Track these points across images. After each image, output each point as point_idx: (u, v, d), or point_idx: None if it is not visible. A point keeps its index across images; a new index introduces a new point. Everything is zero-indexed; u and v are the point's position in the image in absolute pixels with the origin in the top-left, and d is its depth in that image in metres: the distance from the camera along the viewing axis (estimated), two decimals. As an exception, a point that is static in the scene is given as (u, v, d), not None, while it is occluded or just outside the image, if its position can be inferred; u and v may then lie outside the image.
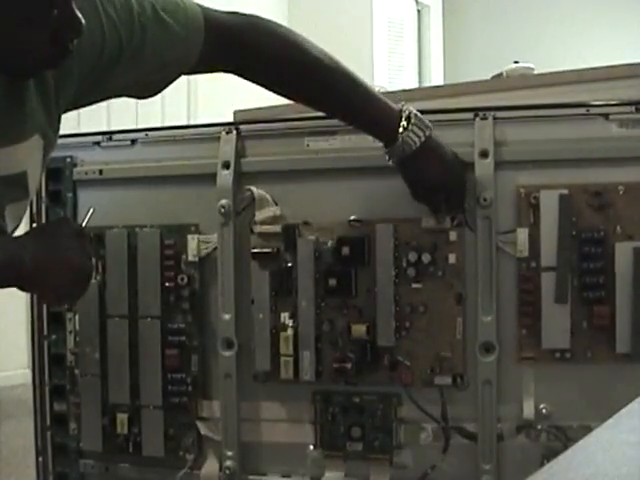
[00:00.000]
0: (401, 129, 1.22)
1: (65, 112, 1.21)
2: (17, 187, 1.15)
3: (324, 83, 1.26)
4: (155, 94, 1.25)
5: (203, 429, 1.40)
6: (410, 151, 1.23)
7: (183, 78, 1.29)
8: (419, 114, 1.24)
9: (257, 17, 1.27)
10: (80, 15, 0.98)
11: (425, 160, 1.24)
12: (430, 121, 1.30)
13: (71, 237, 1.13)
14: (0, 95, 1.07)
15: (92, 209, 1.22)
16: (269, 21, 1.28)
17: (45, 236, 1.14)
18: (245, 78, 1.30)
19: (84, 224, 1.19)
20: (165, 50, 1.19)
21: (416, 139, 1.22)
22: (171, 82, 1.24)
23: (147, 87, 1.24)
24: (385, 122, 1.23)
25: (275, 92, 1.30)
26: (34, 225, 1.44)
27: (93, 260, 1.36)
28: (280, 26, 1.28)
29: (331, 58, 1.26)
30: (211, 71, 1.27)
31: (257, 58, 1.25)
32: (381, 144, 1.26)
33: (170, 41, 1.18)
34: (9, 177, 1.12)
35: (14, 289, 1.16)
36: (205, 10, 1.21)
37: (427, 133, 1.23)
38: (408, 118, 1.23)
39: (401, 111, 1.23)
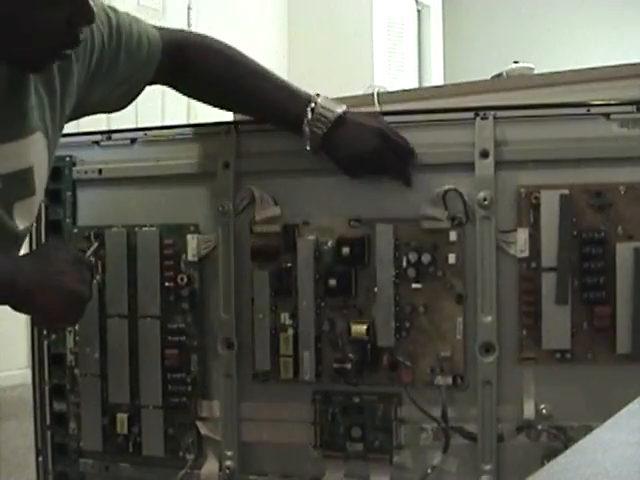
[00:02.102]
0: (305, 121, 1.27)
1: (67, 121, 1.23)
2: (24, 184, 1.16)
3: (255, 89, 1.33)
4: (120, 109, 1.34)
5: (203, 429, 1.40)
6: (318, 140, 1.27)
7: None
8: (325, 101, 1.28)
9: (192, 33, 1.38)
10: (92, 4, 1.01)
11: (340, 139, 1.27)
12: (430, 121, 1.31)
13: (68, 262, 1.15)
14: (2, 89, 1.08)
15: (97, 242, 1.25)
16: (205, 36, 1.38)
17: (42, 259, 1.15)
18: (182, 91, 1.39)
19: (88, 253, 1.20)
20: (135, 64, 1.27)
21: (319, 129, 1.26)
22: (135, 97, 1.34)
23: (114, 101, 1.32)
24: (292, 112, 1.28)
25: (210, 104, 1.39)
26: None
27: (95, 282, 1.38)
28: (216, 41, 1.37)
29: (255, 62, 1.37)
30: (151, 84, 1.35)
31: (198, 73, 1.34)
32: None
33: (139, 55, 1.27)
34: (15, 173, 1.13)
35: None
36: (156, 27, 1.32)
37: (333, 117, 1.26)
38: (312, 110, 1.27)
39: (309, 101, 1.28)
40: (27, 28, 1.01)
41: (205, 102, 1.40)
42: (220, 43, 1.37)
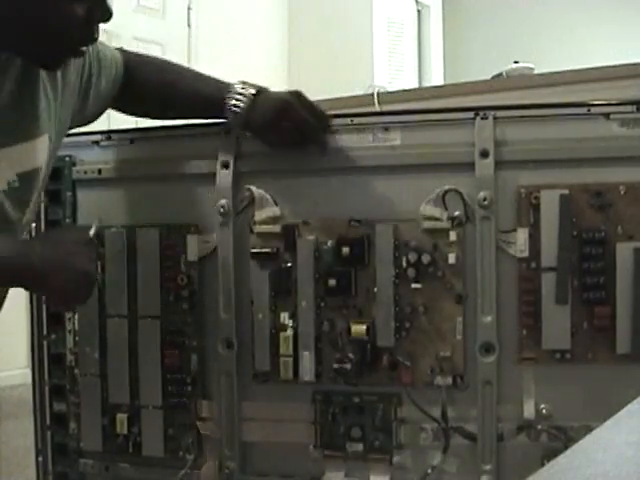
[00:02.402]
0: (226, 100, 1.33)
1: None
2: (32, 183, 1.19)
3: (186, 88, 1.39)
4: (87, 125, 1.39)
5: (203, 429, 1.40)
6: (239, 117, 1.33)
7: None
8: (244, 84, 1.34)
9: (128, 52, 1.40)
10: (110, 1, 1.06)
11: (255, 112, 1.33)
12: (430, 121, 1.31)
13: (78, 243, 1.17)
14: (15, 91, 1.10)
15: (97, 220, 1.26)
16: (138, 54, 1.44)
17: (53, 240, 1.19)
18: (126, 108, 1.44)
19: (91, 233, 1.22)
20: (109, 81, 1.33)
21: (238, 108, 1.33)
22: (102, 114, 1.40)
23: (88, 117, 1.37)
24: (217, 97, 1.35)
25: (150, 116, 1.46)
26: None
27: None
28: (147, 55, 1.46)
29: (182, 67, 1.45)
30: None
31: (137, 87, 1.39)
32: (376, 144, 1.30)
33: (112, 72, 1.33)
34: (28, 173, 1.16)
35: (15, 290, 1.17)
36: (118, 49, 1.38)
37: (250, 94, 1.33)
38: (233, 91, 1.33)
39: (229, 85, 1.34)
40: (47, 23, 1.03)
41: (146, 115, 1.46)
42: (150, 57, 1.46)
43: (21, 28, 1.03)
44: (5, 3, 1.01)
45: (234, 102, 1.33)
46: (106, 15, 1.06)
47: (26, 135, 1.14)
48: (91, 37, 1.08)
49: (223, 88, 1.35)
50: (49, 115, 1.19)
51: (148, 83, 1.39)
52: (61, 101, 1.21)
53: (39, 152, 1.17)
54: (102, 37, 1.13)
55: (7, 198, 1.14)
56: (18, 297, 1.30)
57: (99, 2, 1.05)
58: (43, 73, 1.15)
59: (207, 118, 1.39)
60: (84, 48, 1.12)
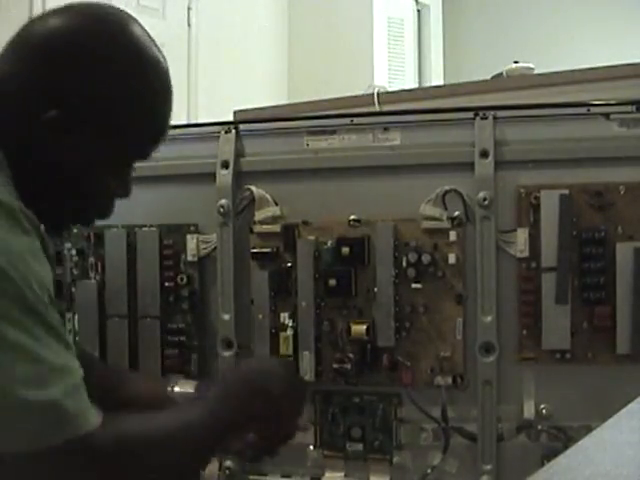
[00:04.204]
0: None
1: None
2: None
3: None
4: None
5: (203, 429, 1.40)
6: None
7: (183, 77, 1.32)
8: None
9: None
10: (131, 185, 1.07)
11: None
12: (430, 121, 1.31)
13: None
14: None
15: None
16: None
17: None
18: None
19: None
20: None
21: None
22: None
23: None
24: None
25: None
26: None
27: (94, 282, 1.37)
28: None
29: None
30: None
31: None
32: (376, 144, 1.30)
33: None
34: None
35: None
36: None
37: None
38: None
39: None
40: (86, 190, 1.02)
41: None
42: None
43: (58, 190, 1.00)
44: (52, 165, 0.98)
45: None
46: (127, 193, 1.08)
47: None
48: (109, 211, 1.07)
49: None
50: None
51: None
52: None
53: None
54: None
55: None
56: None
57: (127, 181, 1.06)
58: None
59: None
60: (95, 220, 1.10)
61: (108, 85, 0.98)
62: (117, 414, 0.90)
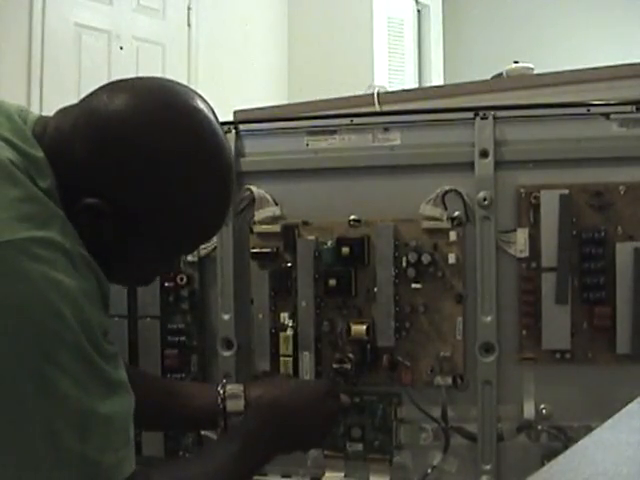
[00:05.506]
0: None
1: None
2: None
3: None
4: None
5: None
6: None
7: (183, 78, 1.31)
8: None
9: None
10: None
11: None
12: (430, 121, 1.31)
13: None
14: None
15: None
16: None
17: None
18: None
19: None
20: None
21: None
22: None
23: None
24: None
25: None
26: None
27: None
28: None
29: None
30: None
31: None
32: (376, 144, 1.31)
33: None
34: None
35: None
36: None
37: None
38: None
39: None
40: (132, 268, 0.97)
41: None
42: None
43: (122, 261, 0.94)
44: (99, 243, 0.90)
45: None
46: (172, 271, 1.16)
47: None
48: (150, 282, 1.06)
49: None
50: None
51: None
52: None
53: None
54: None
55: None
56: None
57: (174, 267, 1.14)
58: None
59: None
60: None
61: (169, 190, 0.90)
62: (149, 467, 0.92)
